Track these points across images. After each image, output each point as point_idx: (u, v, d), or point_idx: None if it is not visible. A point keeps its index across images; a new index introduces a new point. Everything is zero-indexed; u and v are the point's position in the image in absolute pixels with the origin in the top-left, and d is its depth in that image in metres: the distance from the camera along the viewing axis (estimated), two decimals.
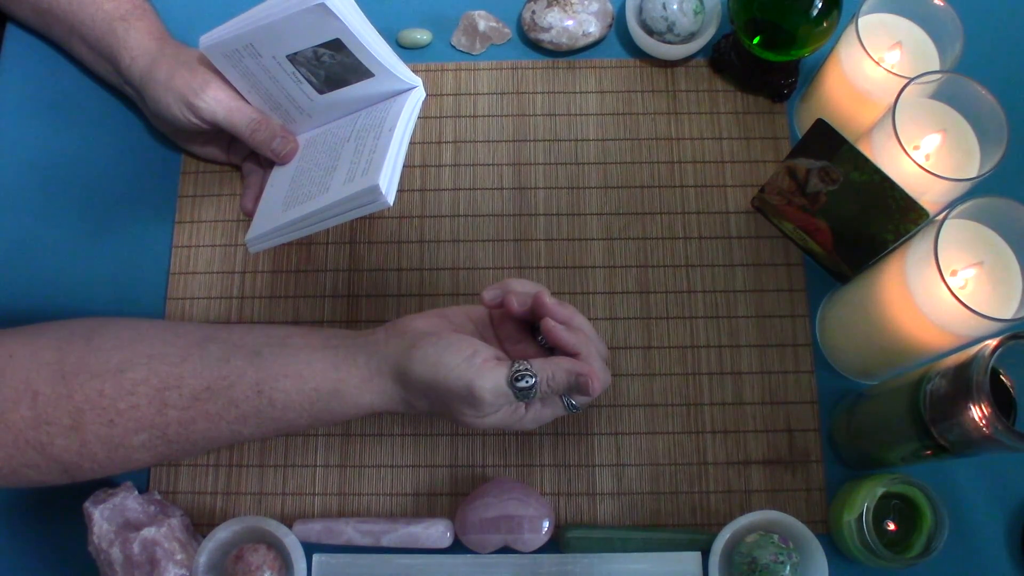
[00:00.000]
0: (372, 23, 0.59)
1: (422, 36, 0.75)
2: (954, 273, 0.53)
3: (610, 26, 0.74)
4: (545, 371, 0.50)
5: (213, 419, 0.51)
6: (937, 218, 0.51)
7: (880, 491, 0.56)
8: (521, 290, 0.54)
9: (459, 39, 0.75)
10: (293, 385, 0.51)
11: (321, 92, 0.63)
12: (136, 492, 0.61)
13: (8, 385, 0.49)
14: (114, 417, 0.50)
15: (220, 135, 0.68)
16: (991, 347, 0.47)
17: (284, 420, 0.52)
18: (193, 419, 0.51)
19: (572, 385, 0.51)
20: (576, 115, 0.73)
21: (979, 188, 0.54)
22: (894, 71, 0.58)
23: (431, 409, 0.53)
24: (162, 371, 0.51)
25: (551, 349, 0.55)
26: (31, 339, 0.52)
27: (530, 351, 0.56)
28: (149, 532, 0.58)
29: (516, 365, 0.50)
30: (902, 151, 0.54)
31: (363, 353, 0.52)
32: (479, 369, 0.49)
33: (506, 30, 0.75)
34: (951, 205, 0.52)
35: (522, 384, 0.49)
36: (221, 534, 0.59)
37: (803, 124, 0.71)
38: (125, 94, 0.71)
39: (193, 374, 0.51)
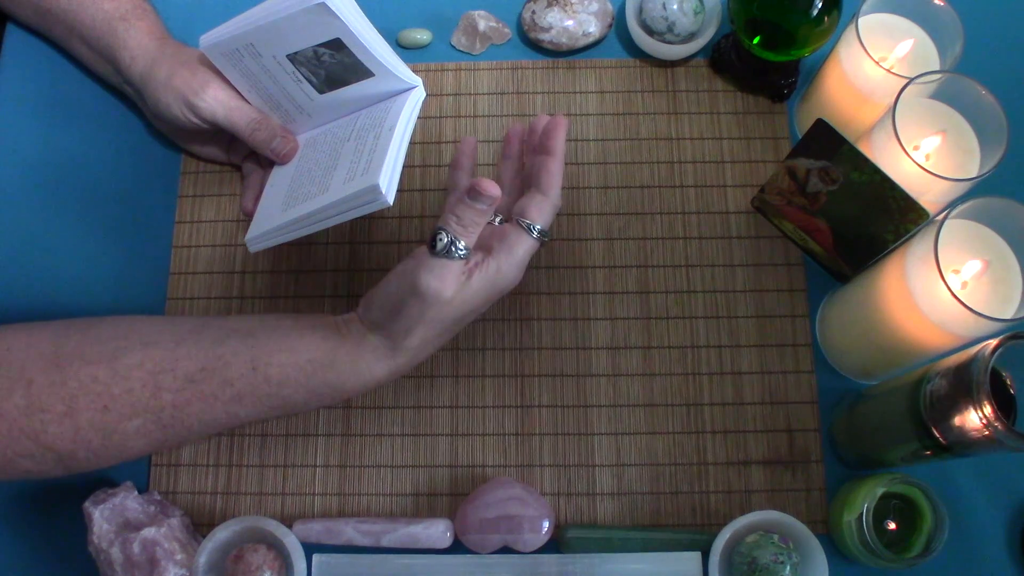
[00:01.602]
0: (372, 23, 0.59)
1: (422, 36, 0.75)
2: (955, 273, 0.53)
3: (610, 26, 0.74)
4: (449, 218, 0.50)
5: (208, 400, 0.51)
6: (937, 218, 0.51)
7: (880, 491, 0.56)
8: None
9: (459, 39, 0.75)
10: (288, 359, 0.51)
11: (321, 92, 0.63)
12: (136, 492, 0.61)
13: (3, 375, 0.49)
14: (108, 403, 0.50)
15: (220, 135, 0.68)
16: (991, 347, 0.47)
17: (280, 397, 0.52)
18: (188, 401, 0.51)
19: (473, 202, 0.49)
20: (576, 115, 0.73)
21: (979, 188, 0.54)
22: (894, 71, 0.58)
23: (420, 339, 0.52)
24: (156, 355, 0.51)
25: (504, 220, 0.57)
26: (28, 333, 0.52)
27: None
28: (149, 532, 0.58)
29: (429, 235, 0.50)
30: (902, 151, 0.54)
31: (344, 325, 0.53)
32: (413, 266, 0.50)
33: (506, 30, 0.75)
34: (951, 205, 0.52)
35: (439, 245, 0.49)
36: (221, 534, 0.59)
37: (803, 124, 0.71)
38: (125, 94, 0.71)
39: (187, 356, 0.51)
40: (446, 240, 0.49)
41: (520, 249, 0.53)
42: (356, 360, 0.52)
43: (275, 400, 0.52)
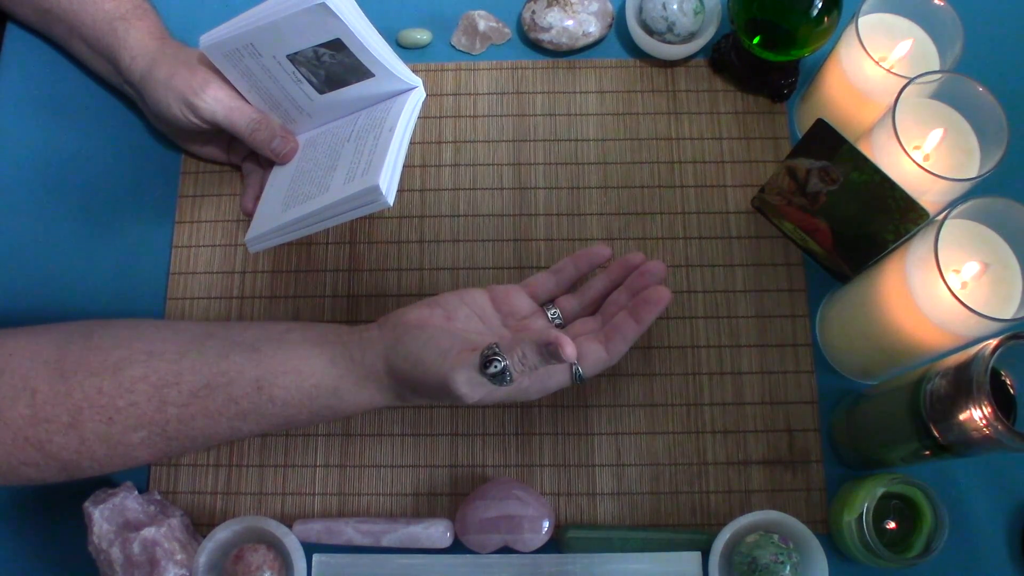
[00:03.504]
0: (372, 23, 0.59)
1: (422, 36, 0.75)
2: (955, 273, 0.53)
3: (610, 26, 0.74)
4: (515, 351, 0.47)
5: (212, 416, 0.51)
6: (937, 218, 0.52)
7: (880, 491, 0.56)
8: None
9: (459, 39, 0.75)
10: (292, 382, 0.51)
11: (321, 92, 0.63)
12: (136, 492, 0.61)
13: (7, 383, 0.49)
14: (113, 415, 0.50)
15: (220, 135, 0.68)
16: (991, 347, 0.47)
17: (283, 416, 0.52)
18: (192, 416, 0.51)
19: (545, 356, 0.47)
20: (576, 115, 0.73)
21: (979, 188, 0.54)
22: (894, 71, 0.58)
23: (426, 401, 0.53)
24: (160, 368, 0.51)
25: (562, 325, 0.55)
26: (31, 339, 0.52)
27: (536, 325, 0.55)
28: (149, 532, 0.58)
29: (485, 350, 0.47)
30: (902, 151, 0.54)
31: (358, 349, 0.52)
32: (453, 362, 0.48)
33: (506, 30, 0.75)
34: (951, 205, 0.52)
35: (492, 370, 0.47)
36: (221, 534, 0.59)
37: (803, 124, 0.71)
38: (125, 94, 0.71)
39: (192, 371, 0.51)
40: (499, 368, 0.47)
41: (554, 383, 0.53)
42: (360, 391, 0.52)
43: (278, 419, 0.53)
